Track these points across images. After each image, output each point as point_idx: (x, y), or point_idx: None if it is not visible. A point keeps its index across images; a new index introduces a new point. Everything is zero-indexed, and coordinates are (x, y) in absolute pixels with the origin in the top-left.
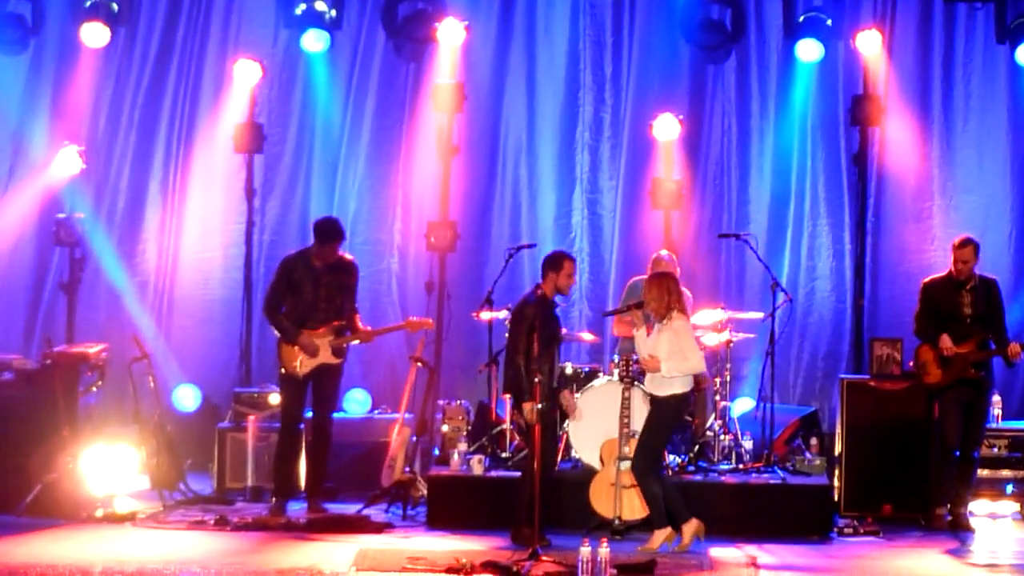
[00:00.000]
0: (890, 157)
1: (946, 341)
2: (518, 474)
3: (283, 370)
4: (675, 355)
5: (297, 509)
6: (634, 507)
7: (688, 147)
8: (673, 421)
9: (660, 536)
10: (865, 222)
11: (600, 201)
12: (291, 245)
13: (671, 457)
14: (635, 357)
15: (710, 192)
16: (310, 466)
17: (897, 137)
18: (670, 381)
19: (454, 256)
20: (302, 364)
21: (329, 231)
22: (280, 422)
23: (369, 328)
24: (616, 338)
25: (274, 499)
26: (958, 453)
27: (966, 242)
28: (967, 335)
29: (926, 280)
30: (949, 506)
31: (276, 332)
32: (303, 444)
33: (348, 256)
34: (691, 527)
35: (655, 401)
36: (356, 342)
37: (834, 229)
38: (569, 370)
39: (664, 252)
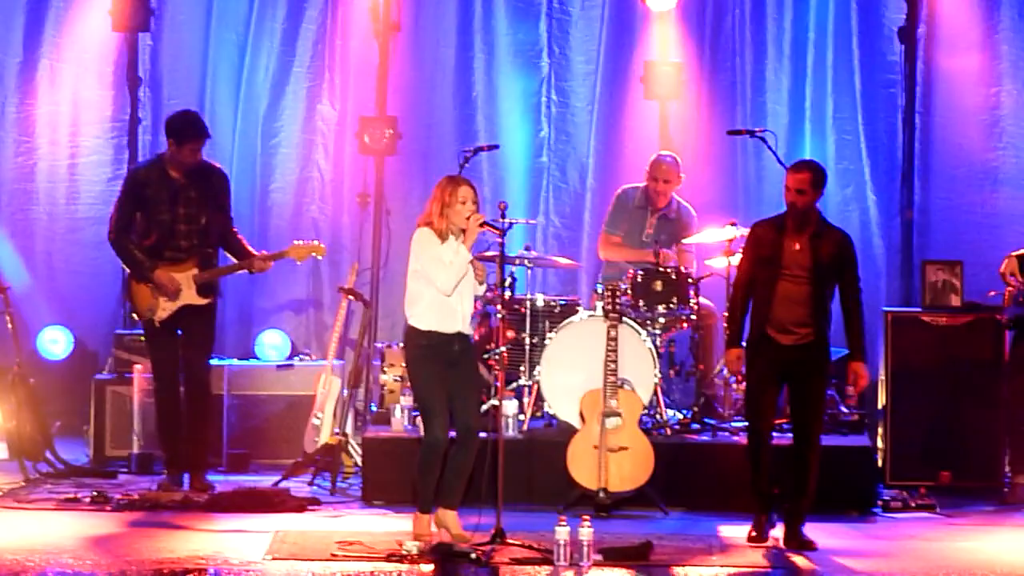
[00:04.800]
0: (946, 30)
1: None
2: (481, 435)
3: (135, 316)
4: None
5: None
6: (623, 475)
7: (689, 20)
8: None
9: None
10: (914, 113)
11: (575, 90)
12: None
13: (670, 412)
14: (624, 286)
15: (718, 78)
16: (187, 433)
17: (955, 5)
18: None
19: (394, 160)
20: (159, 308)
21: (185, 128)
22: (153, 378)
23: (264, 252)
24: (601, 262)
25: (166, 470)
26: None
27: None
28: None
29: None
30: None
31: (125, 267)
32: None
33: (216, 164)
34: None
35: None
36: (239, 272)
37: (874, 123)
38: (541, 303)
39: (666, 154)
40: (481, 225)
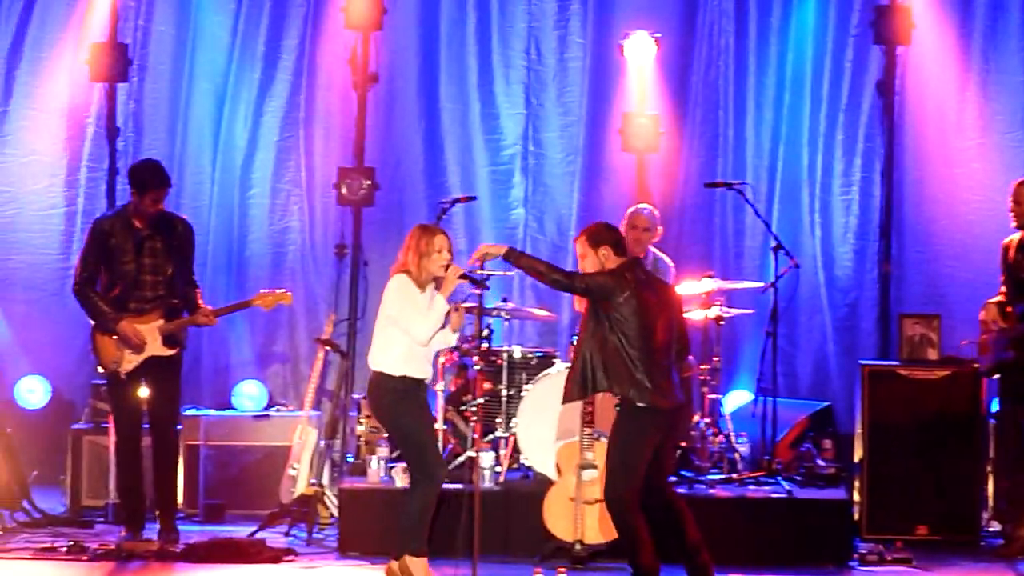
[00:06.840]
0: (921, 85)
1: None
2: (457, 486)
3: (100, 368)
4: None
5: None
6: (600, 528)
7: (669, 73)
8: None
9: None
10: (892, 167)
11: (553, 142)
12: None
13: None
14: None
15: (699, 131)
16: (156, 485)
17: (930, 59)
18: None
19: (371, 211)
20: (124, 360)
21: (146, 177)
22: (115, 431)
23: (208, 308)
24: (578, 314)
25: (125, 526)
26: None
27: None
28: None
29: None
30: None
31: (89, 318)
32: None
33: (181, 215)
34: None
35: None
36: (195, 326)
37: (852, 177)
38: (518, 355)
39: (644, 207)
40: (461, 277)
